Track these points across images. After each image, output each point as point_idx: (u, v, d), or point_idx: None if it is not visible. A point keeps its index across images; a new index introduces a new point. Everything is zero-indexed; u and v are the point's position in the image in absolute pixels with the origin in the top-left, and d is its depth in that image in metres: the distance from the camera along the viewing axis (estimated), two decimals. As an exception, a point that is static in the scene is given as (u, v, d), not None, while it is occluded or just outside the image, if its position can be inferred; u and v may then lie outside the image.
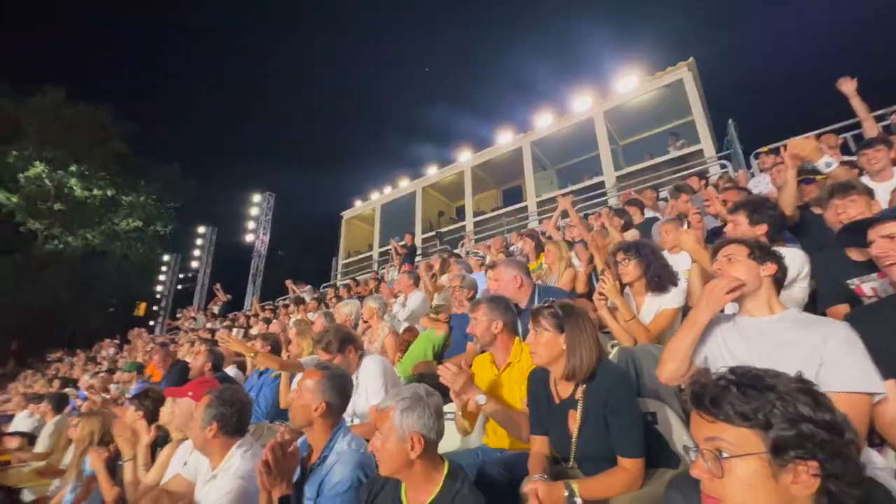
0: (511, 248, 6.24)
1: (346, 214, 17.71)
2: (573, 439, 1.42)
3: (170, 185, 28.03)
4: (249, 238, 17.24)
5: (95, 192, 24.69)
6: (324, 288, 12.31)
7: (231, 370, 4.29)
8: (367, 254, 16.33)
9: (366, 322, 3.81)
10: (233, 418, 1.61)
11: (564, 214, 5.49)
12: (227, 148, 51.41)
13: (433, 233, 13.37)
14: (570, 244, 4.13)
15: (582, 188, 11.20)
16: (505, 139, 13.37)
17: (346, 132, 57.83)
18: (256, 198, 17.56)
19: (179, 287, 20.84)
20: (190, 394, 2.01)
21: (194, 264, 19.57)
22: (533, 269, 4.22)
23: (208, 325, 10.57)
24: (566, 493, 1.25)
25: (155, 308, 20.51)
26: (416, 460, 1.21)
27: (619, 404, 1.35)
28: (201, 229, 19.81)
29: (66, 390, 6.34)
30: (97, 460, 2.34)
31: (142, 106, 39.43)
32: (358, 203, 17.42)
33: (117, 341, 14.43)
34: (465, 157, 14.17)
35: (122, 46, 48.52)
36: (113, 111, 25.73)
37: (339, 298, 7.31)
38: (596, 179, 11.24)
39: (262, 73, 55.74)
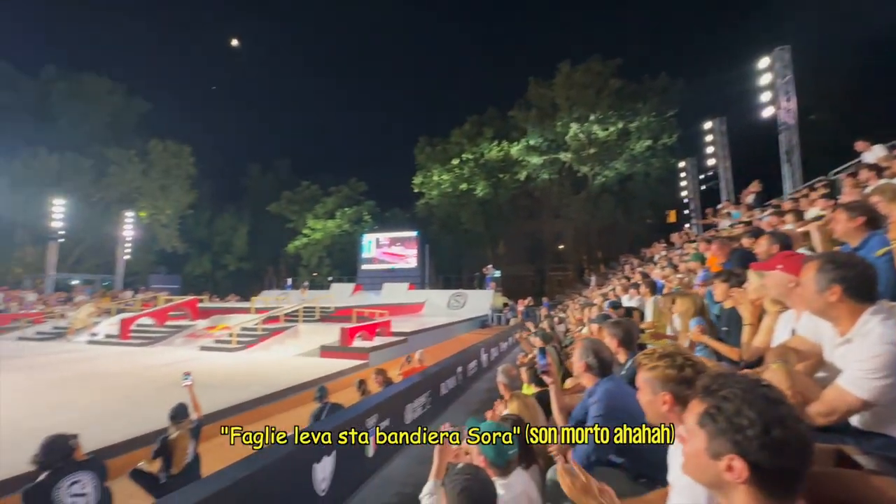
0: None
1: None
2: None
3: (663, 95, 28.95)
4: (766, 113, 14.41)
5: (611, 129, 29.81)
6: (915, 137, 8.20)
7: (803, 250, 3.85)
8: None
9: None
10: (855, 281, 1.40)
11: None
12: (714, 23, 45.46)
13: None
14: None
15: None
16: None
17: None
18: (763, 62, 14.29)
19: (703, 188, 21.05)
20: (779, 267, 1.97)
21: (710, 162, 18.99)
22: None
23: (744, 218, 10.02)
24: None
25: (686, 212, 21.91)
26: None
27: None
28: (707, 125, 18.81)
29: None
30: (696, 332, 2.84)
31: (616, 38, 42.75)
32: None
33: (663, 244, 16.92)
34: None
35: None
36: (600, 58, 29.85)
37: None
38: None
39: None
